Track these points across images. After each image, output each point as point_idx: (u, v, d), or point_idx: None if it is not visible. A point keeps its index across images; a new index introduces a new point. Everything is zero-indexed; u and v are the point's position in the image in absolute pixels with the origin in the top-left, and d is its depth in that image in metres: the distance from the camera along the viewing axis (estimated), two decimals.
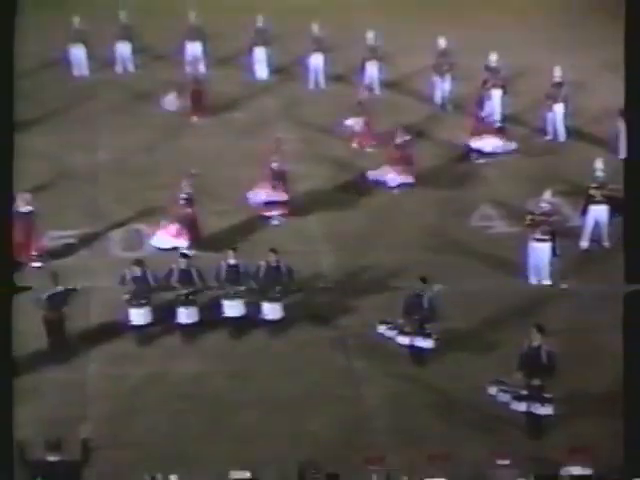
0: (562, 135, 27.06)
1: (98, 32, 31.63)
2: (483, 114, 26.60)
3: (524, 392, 16.59)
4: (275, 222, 23.57)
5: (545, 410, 16.52)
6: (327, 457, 15.28)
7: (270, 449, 16.22)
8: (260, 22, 31.16)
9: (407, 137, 25.12)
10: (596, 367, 18.12)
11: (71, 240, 22.66)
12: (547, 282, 20.80)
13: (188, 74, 29.99)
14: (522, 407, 16.65)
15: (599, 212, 21.76)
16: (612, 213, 21.64)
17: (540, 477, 14.64)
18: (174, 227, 22.52)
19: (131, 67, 32.28)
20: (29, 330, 18.75)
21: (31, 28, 32.13)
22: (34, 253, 21.85)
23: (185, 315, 19.54)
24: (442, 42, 29.07)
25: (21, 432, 16.20)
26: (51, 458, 14.26)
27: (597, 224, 21.86)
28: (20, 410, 17.34)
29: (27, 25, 31.71)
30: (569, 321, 19.34)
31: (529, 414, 16.64)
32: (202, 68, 30.83)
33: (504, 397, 16.86)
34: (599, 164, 21.99)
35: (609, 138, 25.86)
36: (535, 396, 16.52)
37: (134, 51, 32.14)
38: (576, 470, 14.43)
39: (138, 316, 19.45)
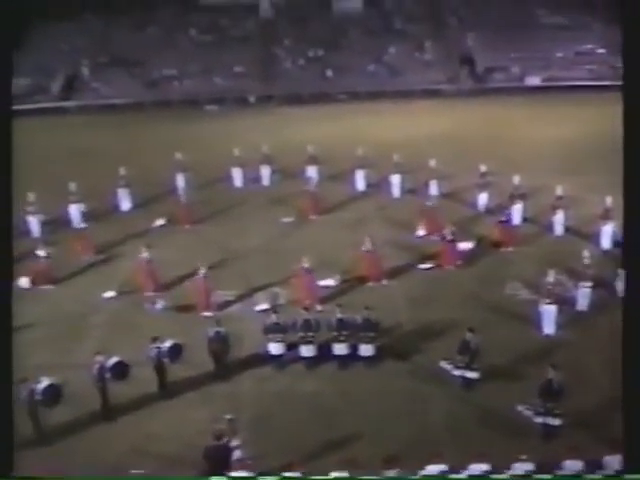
0: (560, 232, 26.66)
1: (251, 159, 32.20)
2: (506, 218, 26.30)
3: (541, 410, 16.54)
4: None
5: (556, 422, 16.47)
6: (402, 452, 15.41)
7: (365, 447, 16.29)
8: (360, 152, 31.46)
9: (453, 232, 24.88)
10: (591, 392, 17.84)
11: (230, 298, 23.04)
12: (553, 333, 20.60)
13: (308, 188, 29.89)
14: (540, 420, 16.61)
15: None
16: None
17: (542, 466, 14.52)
18: (299, 289, 22.69)
19: (268, 182, 32.54)
20: (201, 359, 19.28)
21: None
22: (207, 306, 22.17)
23: (305, 350, 19.83)
24: (482, 167, 29.02)
25: (199, 426, 16.55)
26: (216, 443, 14.90)
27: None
28: (199, 412, 17.75)
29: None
30: (572, 361, 18.88)
31: (545, 425, 16.58)
32: (315, 183, 30.46)
33: (528, 413, 16.80)
34: (586, 253, 21.87)
35: (593, 236, 25.47)
36: (549, 413, 16.46)
37: (272, 172, 32.53)
38: (572, 464, 14.47)
39: (275, 349, 19.84)
